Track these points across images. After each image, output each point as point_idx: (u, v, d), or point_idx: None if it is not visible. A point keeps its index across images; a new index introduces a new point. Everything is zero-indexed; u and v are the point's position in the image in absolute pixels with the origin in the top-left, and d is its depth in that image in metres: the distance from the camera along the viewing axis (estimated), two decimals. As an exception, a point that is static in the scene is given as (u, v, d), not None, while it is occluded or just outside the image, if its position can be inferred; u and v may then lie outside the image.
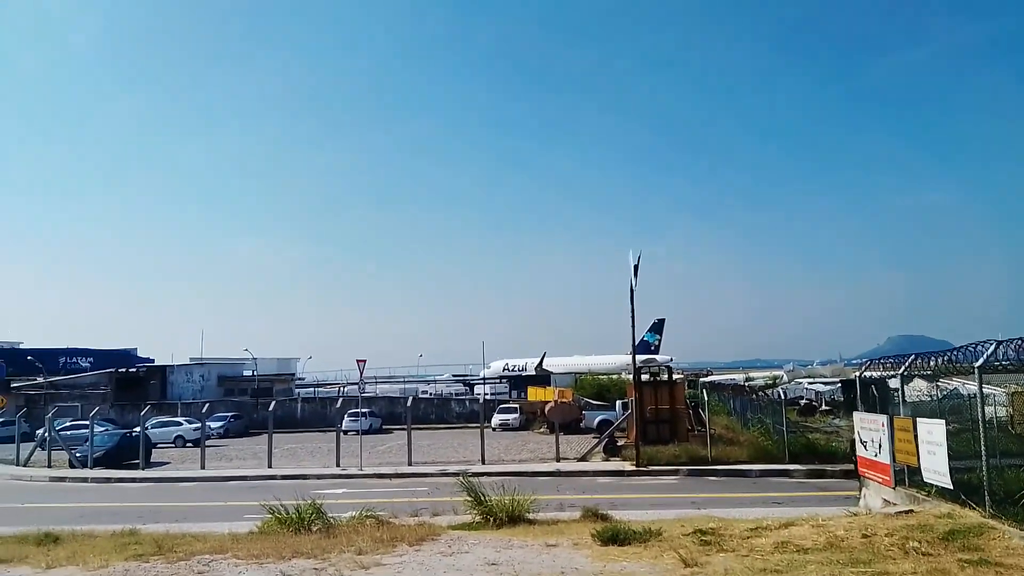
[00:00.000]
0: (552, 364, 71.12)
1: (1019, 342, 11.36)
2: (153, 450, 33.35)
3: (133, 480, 27.45)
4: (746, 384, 59.20)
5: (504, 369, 75.58)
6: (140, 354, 73.76)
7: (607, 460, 26.66)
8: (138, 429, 31.87)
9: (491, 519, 13.24)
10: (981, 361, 10.80)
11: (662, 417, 28.20)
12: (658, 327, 78.68)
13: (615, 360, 71.33)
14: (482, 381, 64.97)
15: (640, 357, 75.28)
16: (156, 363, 63.51)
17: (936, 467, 11.61)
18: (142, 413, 33.25)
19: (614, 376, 57.62)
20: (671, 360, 70.18)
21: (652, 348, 77.16)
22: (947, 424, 11.75)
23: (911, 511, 11.55)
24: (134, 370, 58.87)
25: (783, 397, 30.44)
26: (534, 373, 67.93)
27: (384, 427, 46.11)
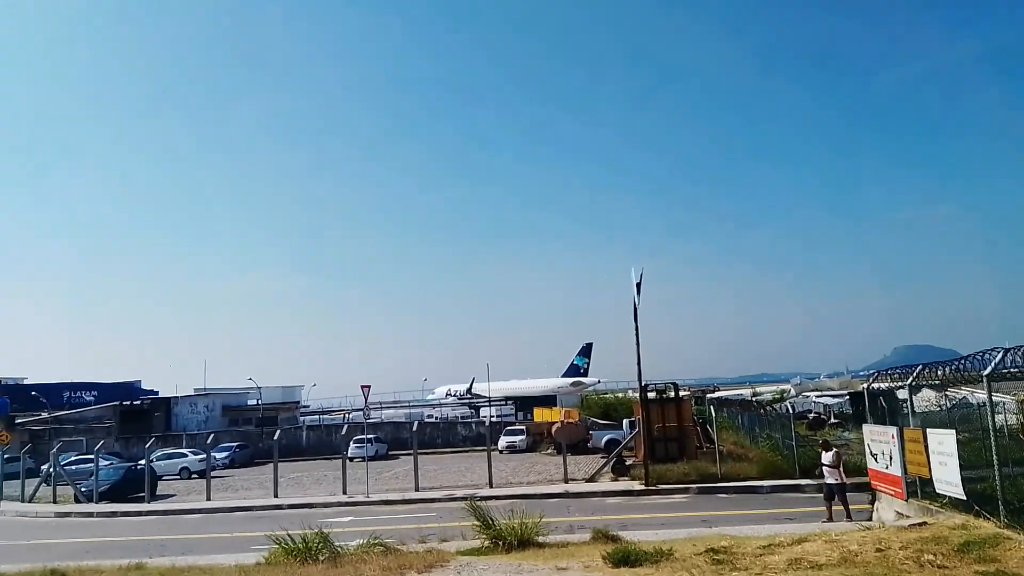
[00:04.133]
0: (483, 389, 73.21)
1: (1026, 349, 11.30)
2: (159, 483, 33.17)
3: (139, 513, 27.23)
4: (753, 399, 58.97)
5: (447, 395, 77.76)
6: (144, 386, 73.61)
7: (616, 480, 26.45)
8: (143, 462, 31.75)
9: (500, 543, 13.08)
10: (989, 369, 10.74)
11: (670, 435, 27.99)
12: (587, 351, 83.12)
13: (547, 383, 74.09)
14: (488, 403, 64.76)
15: (569, 380, 78.70)
16: (160, 395, 63.40)
17: (948, 478, 11.50)
18: (147, 446, 33.07)
19: (620, 395, 57.49)
20: (598, 382, 76.76)
21: (582, 371, 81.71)
22: (957, 434, 11.66)
23: (924, 523, 11.42)
24: (138, 403, 58.69)
25: (791, 411, 30.18)
26: (470, 398, 71.03)
27: (390, 452, 45.83)
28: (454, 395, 76.27)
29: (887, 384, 16.37)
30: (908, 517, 13.03)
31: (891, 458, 14.11)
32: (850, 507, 16.75)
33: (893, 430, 14.09)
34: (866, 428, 16.19)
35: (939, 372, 13.66)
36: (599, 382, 76.73)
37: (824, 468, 17.53)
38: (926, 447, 12.24)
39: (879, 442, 14.91)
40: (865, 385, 18.67)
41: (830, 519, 16.27)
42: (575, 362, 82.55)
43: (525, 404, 60.90)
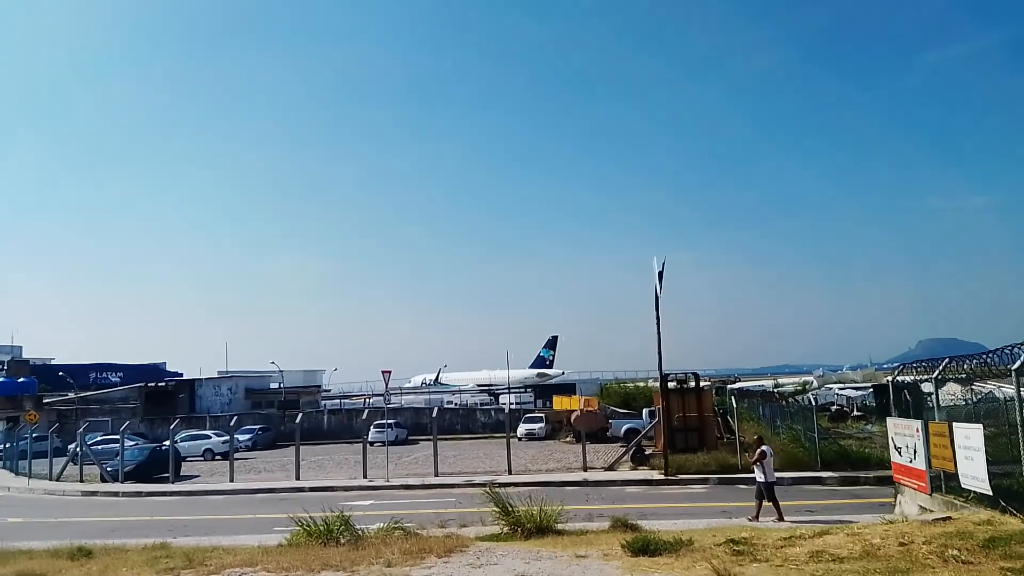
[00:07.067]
0: (451, 379, 75.98)
1: (1057, 344, 11.11)
2: (182, 463, 33.63)
3: (163, 494, 27.70)
4: (775, 390, 58.40)
5: (422, 383, 79.11)
6: (168, 368, 74.61)
7: (635, 469, 26.44)
8: (168, 443, 32.22)
9: (519, 530, 13.14)
10: (1018, 363, 10.59)
11: (690, 425, 27.87)
12: (552, 343, 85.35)
13: (514, 374, 76.66)
14: (507, 391, 64.95)
15: (534, 371, 79.18)
16: (184, 377, 64.22)
17: (974, 473, 11.36)
18: (171, 427, 33.53)
19: (640, 384, 57.42)
20: (562, 374, 78.31)
21: (547, 363, 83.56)
22: (983, 429, 11.52)
23: (949, 518, 11.28)
24: (163, 384, 59.52)
25: (814, 403, 29.99)
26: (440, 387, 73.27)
27: (410, 438, 46.16)
28: (428, 384, 77.90)
29: (912, 377, 16.17)
30: (932, 512, 12.89)
31: (915, 452, 13.95)
32: (871, 501, 16.36)
33: (918, 424, 13.93)
34: (890, 421, 16.02)
35: (965, 365, 13.47)
36: (563, 374, 78.93)
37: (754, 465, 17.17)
38: (952, 441, 12.09)
39: (903, 435, 14.75)
40: (889, 378, 18.46)
41: (756, 517, 15.81)
42: (541, 354, 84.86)
43: (544, 392, 61.03)
